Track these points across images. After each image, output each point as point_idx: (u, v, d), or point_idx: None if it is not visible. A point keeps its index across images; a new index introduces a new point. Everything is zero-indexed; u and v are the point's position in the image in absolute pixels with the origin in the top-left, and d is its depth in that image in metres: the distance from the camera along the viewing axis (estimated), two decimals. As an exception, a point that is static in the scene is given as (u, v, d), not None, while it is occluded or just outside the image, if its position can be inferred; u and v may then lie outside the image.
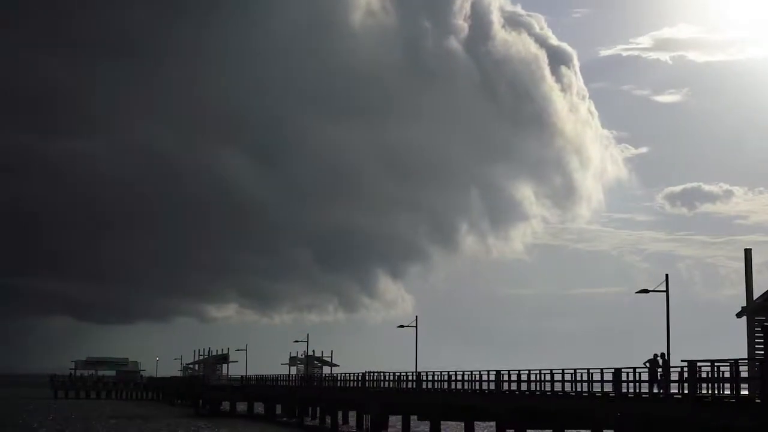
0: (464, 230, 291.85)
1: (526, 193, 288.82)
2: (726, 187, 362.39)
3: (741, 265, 39.30)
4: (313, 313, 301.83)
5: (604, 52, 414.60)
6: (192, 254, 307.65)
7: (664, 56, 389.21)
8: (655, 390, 39.75)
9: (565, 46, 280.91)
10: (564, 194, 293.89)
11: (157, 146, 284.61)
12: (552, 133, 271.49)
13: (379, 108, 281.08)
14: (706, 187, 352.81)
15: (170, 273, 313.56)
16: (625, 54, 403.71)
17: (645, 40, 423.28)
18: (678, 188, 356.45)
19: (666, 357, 40.42)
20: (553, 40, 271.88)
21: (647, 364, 40.20)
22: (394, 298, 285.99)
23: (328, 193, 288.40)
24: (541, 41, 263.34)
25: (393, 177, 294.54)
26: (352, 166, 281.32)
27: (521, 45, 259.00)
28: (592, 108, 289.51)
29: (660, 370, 39.60)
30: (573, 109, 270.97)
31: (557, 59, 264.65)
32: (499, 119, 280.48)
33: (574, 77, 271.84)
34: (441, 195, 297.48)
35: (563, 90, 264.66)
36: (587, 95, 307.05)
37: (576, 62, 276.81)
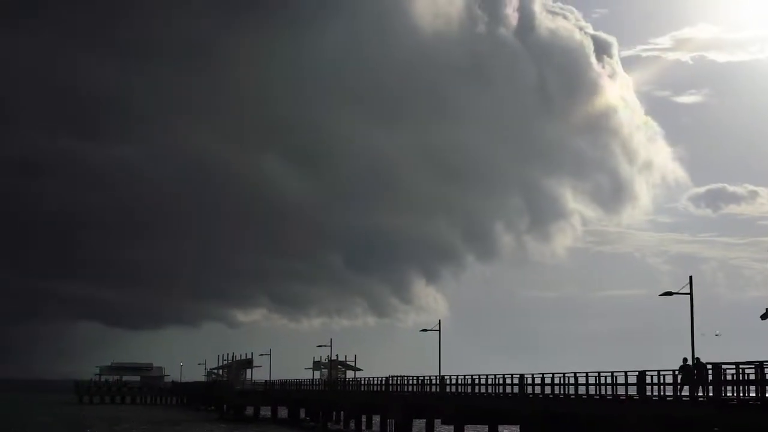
0: (499, 232, 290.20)
1: (564, 192, 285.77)
2: (750, 187, 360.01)
3: (766, 266, 39.21)
4: (342, 318, 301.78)
5: (624, 53, 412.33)
6: (226, 259, 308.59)
7: (685, 56, 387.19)
8: (695, 392, 39.50)
9: (603, 35, 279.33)
10: (611, 193, 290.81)
11: (195, 151, 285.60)
12: (603, 126, 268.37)
13: (420, 108, 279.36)
14: (731, 188, 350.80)
15: (203, 278, 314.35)
16: (644, 54, 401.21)
17: (665, 41, 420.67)
18: (702, 189, 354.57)
19: (687, 361, 40.30)
20: (590, 29, 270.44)
21: (680, 372, 40.08)
22: (427, 301, 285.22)
23: (365, 197, 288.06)
24: (583, 30, 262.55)
25: (432, 179, 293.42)
26: (390, 169, 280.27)
27: (566, 32, 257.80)
28: (635, 98, 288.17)
29: (695, 372, 39.37)
30: (622, 98, 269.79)
31: (599, 48, 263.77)
32: (548, 117, 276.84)
33: (617, 66, 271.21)
34: (480, 197, 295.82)
35: (610, 77, 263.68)
36: (631, 85, 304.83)
37: (616, 51, 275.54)
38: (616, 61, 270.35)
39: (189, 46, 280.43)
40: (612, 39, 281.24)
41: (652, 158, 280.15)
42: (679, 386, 40.08)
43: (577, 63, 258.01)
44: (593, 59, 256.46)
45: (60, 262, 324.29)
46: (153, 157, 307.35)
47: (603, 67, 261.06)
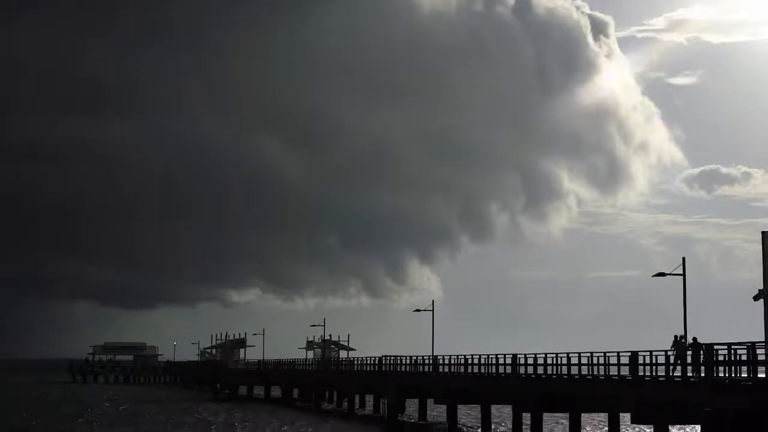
0: (495, 213, 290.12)
1: (560, 173, 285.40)
2: (744, 169, 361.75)
3: (758, 248, 39.10)
4: (336, 298, 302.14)
5: (619, 34, 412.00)
6: (223, 239, 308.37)
7: (680, 37, 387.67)
8: (679, 372, 39.62)
9: (600, 15, 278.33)
10: (607, 174, 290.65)
11: (193, 133, 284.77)
12: (600, 106, 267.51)
13: (416, 88, 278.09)
14: (724, 170, 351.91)
15: (199, 258, 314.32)
16: (639, 35, 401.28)
17: (660, 22, 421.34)
18: (696, 171, 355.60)
19: (681, 338, 40.42)
20: (586, 9, 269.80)
21: (673, 349, 40.20)
22: (421, 282, 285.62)
23: (361, 177, 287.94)
24: (580, 10, 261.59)
25: (429, 159, 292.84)
26: (387, 150, 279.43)
27: (563, 11, 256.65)
28: (631, 78, 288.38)
29: (690, 351, 39.44)
30: (619, 78, 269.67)
31: (596, 28, 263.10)
32: (544, 96, 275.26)
33: (614, 46, 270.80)
34: (476, 177, 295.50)
35: (607, 57, 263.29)
36: (627, 64, 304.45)
37: (613, 31, 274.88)
38: (612, 41, 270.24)
39: (190, 29, 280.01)
40: (608, 18, 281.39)
41: (648, 138, 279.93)
42: (671, 365, 40.13)
43: (574, 42, 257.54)
44: (590, 39, 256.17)
45: (56, 243, 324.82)
46: (151, 140, 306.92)
47: (600, 47, 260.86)
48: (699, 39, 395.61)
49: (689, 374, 39.12)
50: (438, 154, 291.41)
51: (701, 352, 38.65)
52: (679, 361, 40.02)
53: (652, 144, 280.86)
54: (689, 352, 39.66)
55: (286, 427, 68.72)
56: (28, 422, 71.46)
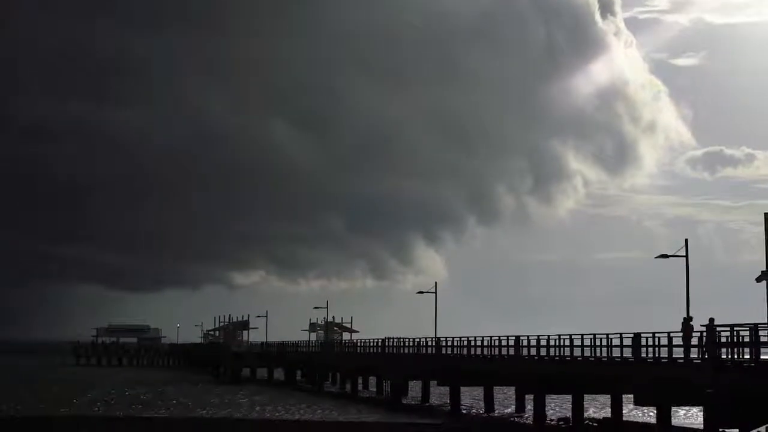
0: (501, 195, 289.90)
1: (567, 153, 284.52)
2: (747, 150, 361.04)
3: (761, 229, 38.98)
4: (341, 280, 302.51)
5: (622, 15, 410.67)
6: (229, 222, 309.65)
7: (682, 18, 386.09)
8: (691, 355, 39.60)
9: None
10: (614, 154, 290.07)
11: (200, 115, 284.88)
12: (607, 87, 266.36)
13: (424, 70, 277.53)
14: (728, 151, 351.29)
15: (205, 241, 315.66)
16: (642, 16, 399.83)
17: (662, 2, 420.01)
18: (699, 152, 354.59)
19: (690, 320, 40.39)
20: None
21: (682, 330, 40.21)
22: (426, 264, 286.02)
23: (368, 159, 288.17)
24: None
25: (436, 141, 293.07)
26: (394, 132, 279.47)
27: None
28: (639, 56, 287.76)
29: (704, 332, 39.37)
30: (627, 56, 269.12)
31: (603, 7, 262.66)
32: (553, 76, 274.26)
33: (622, 24, 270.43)
34: (483, 159, 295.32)
35: (615, 35, 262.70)
36: (634, 42, 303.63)
37: (620, 9, 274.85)
38: (619, 20, 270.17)
39: (195, 12, 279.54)
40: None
41: (656, 117, 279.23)
42: (682, 347, 40.09)
43: (582, 20, 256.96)
44: (598, 17, 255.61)
45: (61, 225, 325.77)
46: (157, 122, 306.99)
47: (608, 25, 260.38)
48: (702, 20, 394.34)
49: (693, 355, 39.14)
50: (444, 136, 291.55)
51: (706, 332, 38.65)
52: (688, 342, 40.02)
53: (660, 123, 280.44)
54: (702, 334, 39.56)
55: (303, 407, 68.55)
56: (54, 408, 69.23)
